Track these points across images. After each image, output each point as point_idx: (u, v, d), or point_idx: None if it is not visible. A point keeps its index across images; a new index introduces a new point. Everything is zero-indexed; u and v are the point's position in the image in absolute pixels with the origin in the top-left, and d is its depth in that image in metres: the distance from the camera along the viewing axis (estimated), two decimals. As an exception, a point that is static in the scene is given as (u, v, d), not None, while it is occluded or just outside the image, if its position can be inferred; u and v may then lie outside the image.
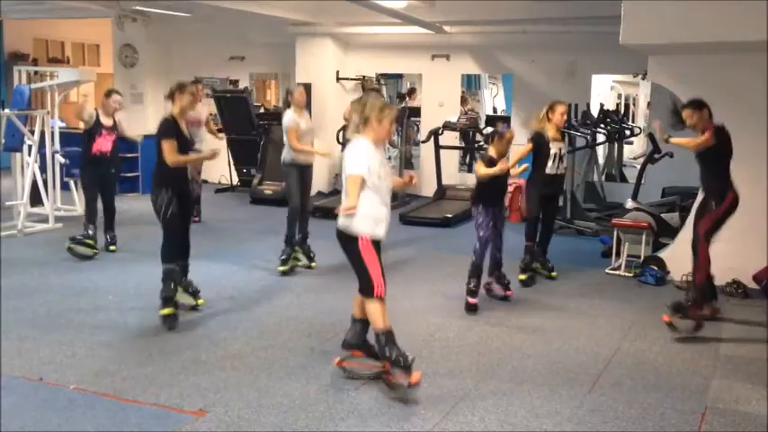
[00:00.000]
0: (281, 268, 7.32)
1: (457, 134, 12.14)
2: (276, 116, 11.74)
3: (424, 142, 11.96)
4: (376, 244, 4.56)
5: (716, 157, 5.84)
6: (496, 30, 11.40)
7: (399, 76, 13.41)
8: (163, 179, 5.83)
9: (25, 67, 12.60)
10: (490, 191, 6.35)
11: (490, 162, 6.32)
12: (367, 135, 4.59)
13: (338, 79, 12.55)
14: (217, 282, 6.86)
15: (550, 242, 7.56)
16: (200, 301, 6.07)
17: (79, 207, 9.52)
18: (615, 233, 7.93)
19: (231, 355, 5.11)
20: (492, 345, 5.46)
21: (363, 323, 4.70)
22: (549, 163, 7.10)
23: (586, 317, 6.26)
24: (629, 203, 8.43)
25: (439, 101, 12.49)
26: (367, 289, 4.48)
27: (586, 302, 6.68)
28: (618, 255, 7.86)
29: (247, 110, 12.13)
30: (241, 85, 13.44)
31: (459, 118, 12.23)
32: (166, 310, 5.63)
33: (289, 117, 7.36)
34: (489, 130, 10.11)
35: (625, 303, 6.67)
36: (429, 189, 11.97)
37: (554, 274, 7.42)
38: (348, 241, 4.53)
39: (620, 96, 15.03)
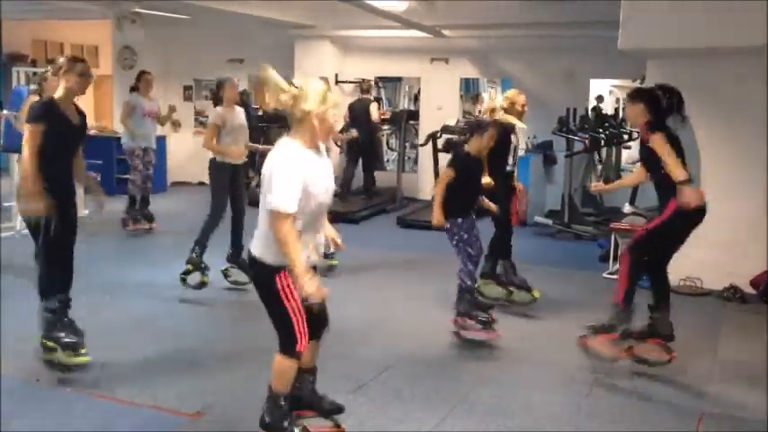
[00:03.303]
0: (189, 281, 6.57)
1: (454, 137, 12.15)
2: (275, 119, 11.73)
3: (422, 146, 11.96)
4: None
5: (654, 161, 4.87)
6: (495, 33, 11.42)
7: (398, 80, 13.43)
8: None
9: (24, 68, 12.55)
10: (464, 196, 5.48)
11: (465, 162, 5.44)
12: (299, 136, 3.44)
13: (337, 82, 12.54)
14: (214, 283, 6.84)
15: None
16: (84, 357, 4.66)
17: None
18: (613, 237, 7.93)
19: (228, 357, 5.11)
20: (489, 348, 5.45)
21: (306, 373, 3.84)
22: (510, 159, 6.41)
23: (583, 321, 6.24)
24: (627, 208, 8.43)
25: (438, 104, 12.50)
26: (287, 344, 3.48)
27: (583, 306, 6.67)
28: (615, 259, 7.85)
29: (246, 112, 12.09)
30: (239, 88, 13.42)
31: (458, 121, 12.25)
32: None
33: (213, 113, 6.75)
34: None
35: (622, 307, 6.66)
36: (427, 192, 11.97)
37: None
38: (266, 277, 3.46)
39: (618, 101, 15.07)
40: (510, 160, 6.38)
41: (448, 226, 5.45)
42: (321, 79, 3.70)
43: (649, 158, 4.87)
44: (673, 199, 4.73)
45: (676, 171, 4.63)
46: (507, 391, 4.64)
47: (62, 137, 4.51)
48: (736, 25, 6.27)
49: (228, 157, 6.67)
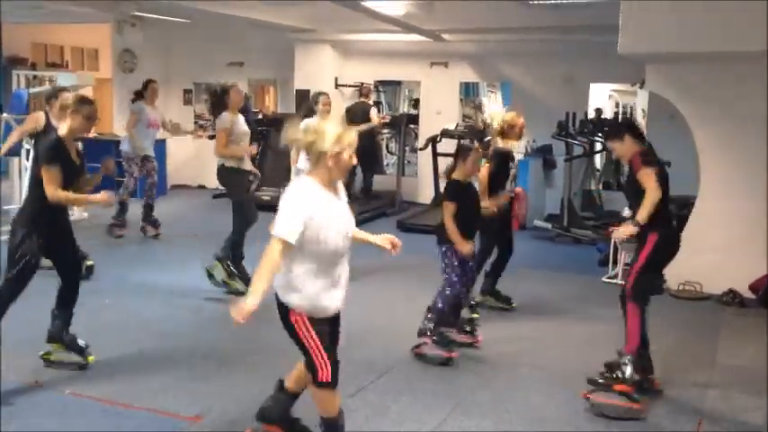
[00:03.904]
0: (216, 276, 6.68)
1: (455, 141, 12.16)
2: (275, 122, 11.75)
3: (421, 150, 11.97)
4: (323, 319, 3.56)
5: (637, 190, 4.69)
6: (495, 38, 11.41)
7: (398, 84, 13.45)
8: (35, 217, 4.60)
9: (24, 72, 12.58)
10: (461, 222, 5.32)
11: (456, 192, 5.39)
12: (316, 175, 3.47)
13: (337, 86, 12.56)
14: (211, 288, 6.84)
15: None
16: (90, 358, 4.85)
17: (76, 212, 9.50)
18: (612, 241, 7.94)
19: (227, 360, 5.11)
20: (488, 352, 5.45)
21: (292, 397, 3.87)
22: (507, 185, 6.32)
23: (583, 325, 6.26)
24: (627, 212, 8.41)
25: (437, 109, 12.51)
26: (313, 376, 3.53)
27: (583, 311, 6.68)
28: (615, 263, 7.86)
29: (246, 116, 12.11)
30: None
31: (458, 125, 12.26)
32: None
33: (222, 118, 6.70)
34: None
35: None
36: (427, 196, 11.99)
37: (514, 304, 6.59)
38: (283, 312, 3.53)
39: (617, 105, 15.09)
40: (507, 186, 6.28)
41: (444, 250, 5.35)
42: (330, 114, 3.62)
43: (636, 190, 4.69)
44: (652, 233, 4.63)
45: (644, 213, 4.51)
46: (507, 393, 4.65)
47: (65, 175, 4.63)
48: (736, 29, 6.28)
49: (240, 155, 6.73)
